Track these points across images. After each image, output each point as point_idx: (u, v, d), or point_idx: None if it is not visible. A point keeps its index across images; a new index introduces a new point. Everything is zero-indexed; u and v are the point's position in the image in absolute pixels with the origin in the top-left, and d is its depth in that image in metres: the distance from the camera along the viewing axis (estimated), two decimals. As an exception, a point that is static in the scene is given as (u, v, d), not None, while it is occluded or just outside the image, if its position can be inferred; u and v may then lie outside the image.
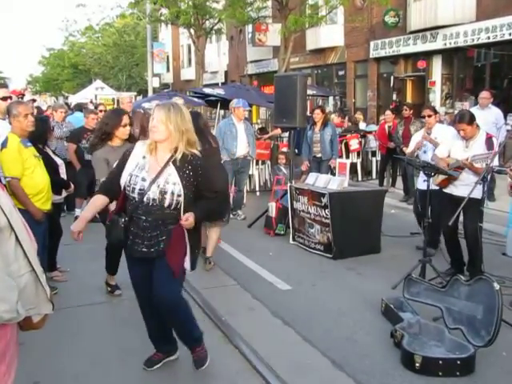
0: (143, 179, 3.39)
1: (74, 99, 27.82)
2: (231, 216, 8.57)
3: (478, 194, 5.18)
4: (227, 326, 4.54)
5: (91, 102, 23.11)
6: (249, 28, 27.15)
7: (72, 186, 5.63)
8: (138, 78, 41.59)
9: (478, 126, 5.46)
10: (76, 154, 7.90)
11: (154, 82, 29.23)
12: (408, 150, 6.75)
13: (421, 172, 6.29)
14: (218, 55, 31.51)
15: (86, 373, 3.80)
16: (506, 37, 14.39)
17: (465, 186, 5.21)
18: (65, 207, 8.63)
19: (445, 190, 5.59)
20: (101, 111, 9.85)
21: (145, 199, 3.38)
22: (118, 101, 22.10)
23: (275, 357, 3.98)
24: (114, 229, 3.54)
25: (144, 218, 3.41)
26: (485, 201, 5.41)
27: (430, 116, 6.38)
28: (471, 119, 5.36)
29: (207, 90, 14.49)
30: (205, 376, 3.76)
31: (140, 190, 3.39)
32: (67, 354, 4.07)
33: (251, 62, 29.55)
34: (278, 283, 5.63)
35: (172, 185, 3.36)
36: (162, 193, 3.34)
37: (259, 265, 6.22)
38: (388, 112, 10.94)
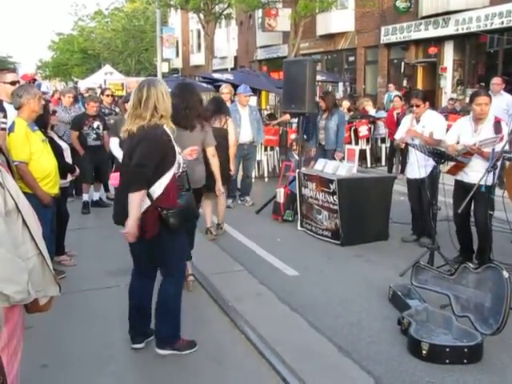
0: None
1: (83, 84, 27.82)
2: (239, 202, 8.63)
3: (488, 180, 5.14)
4: (234, 311, 4.55)
5: (100, 86, 23.12)
6: (258, 13, 26.96)
7: (78, 170, 5.64)
8: (147, 63, 41.49)
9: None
10: (79, 140, 7.92)
11: (163, 67, 29.08)
12: (395, 137, 6.68)
13: (409, 160, 6.26)
14: (227, 40, 31.36)
15: (94, 356, 3.82)
16: (520, 22, 14.22)
17: (475, 173, 5.15)
18: (73, 192, 8.67)
19: (456, 178, 5.54)
20: (108, 96, 9.84)
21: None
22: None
23: (281, 342, 3.98)
24: (192, 207, 3.77)
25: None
26: (495, 188, 5.38)
27: (418, 106, 6.19)
28: (490, 97, 5.35)
29: (216, 76, 14.45)
30: (211, 361, 3.77)
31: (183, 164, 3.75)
32: (75, 337, 4.09)
33: (260, 47, 29.38)
34: (285, 269, 5.62)
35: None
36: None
37: (267, 251, 6.22)
38: (397, 98, 10.84)
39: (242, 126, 8.33)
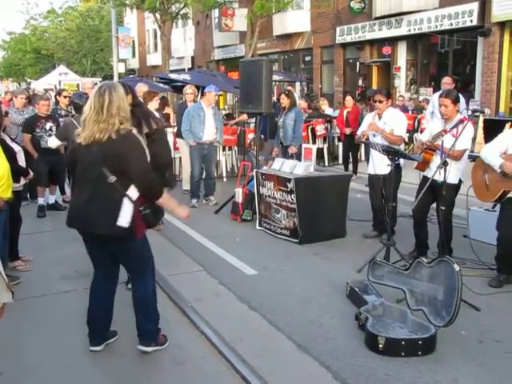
0: None
1: (36, 85, 27.18)
2: (203, 201, 8.63)
3: (453, 178, 5.30)
4: (194, 312, 4.54)
5: (55, 87, 22.65)
6: (215, 13, 26.91)
7: (31, 173, 5.52)
8: (103, 64, 40.83)
9: (458, 111, 5.56)
10: (32, 142, 7.74)
11: (119, 68, 28.69)
12: (357, 132, 6.82)
13: (371, 157, 6.40)
14: (184, 40, 31.15)
15: (52, 362, 3.76)
16: (468, 24, 14.64)
17: (440, 170, 5.23)
18: (28, 195, 8.48)
19: (423, 174, 5.68)
20: (65, 97, 9.66)
21: None
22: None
23: (241, 342, 4.01)
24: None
25: None
26: (460, 184, 5.55)
27: (381, 102, 6.34)
28: (456, 99, 5.47)
29: (173, 76, 14.38)
30: (171, 362, 3.76)
31: None
32: (32, 344, 4.01)
33: (218, 47, 29.34)
34: (244, 268, 5.65)
35: None
36: None
37: (226, 250, 6.23)
38: (348, 97, 10.99)
39: (206, 125, 8.36)
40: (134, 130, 3.55)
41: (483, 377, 3.57)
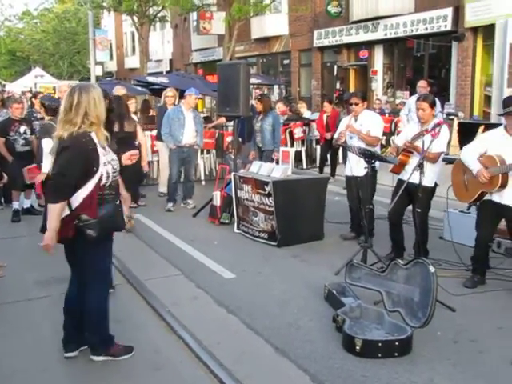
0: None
1: (12, 87, 26.81)
2: (181, 205, 8.60)
3: (429, 181, 5.36)
4: (171, 316, 4.51)
5: (30, 90, 22.38)
6: (193, 16, 26.86)
7: (5, 177, 5.44)
8: (80, 66, 40.49)
9: (435, 115, 5.63)
10: (6, 146, 7.63)
11: (96, 71, 28.39)
12: (334, 136, 6.87)
13: (348, 159, 6.47)
14: (162, 43, 31.02)
15: (24, 369, 3.70)
16: (443, 28, 14.84)
17: (416, 172, 5.28)
18: (2, 200, 8.35)
19: (399, 177, 5.73)
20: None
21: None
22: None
23: (219, 346, 3.99)
24: (115, 218, 3.64)
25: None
26: (435, 187, 5.62)
27: (357, 104, 6.43)
28: (433, 103, 5.57)
29: (150, 79, 14.32)
30: (149, 367, 3.73)
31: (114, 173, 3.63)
32: (6, 351, 3.95)
33: (196, 50, 29.29)
34: (222, 272, 5.63)
35: None
36: None
37: (204, 254, 6.21)
38: (326, 103, 11.06)
39: (186, 129, 8.35)
40: (93, 134, 3.47)
41: (458, 376, 3.61)
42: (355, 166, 6.26)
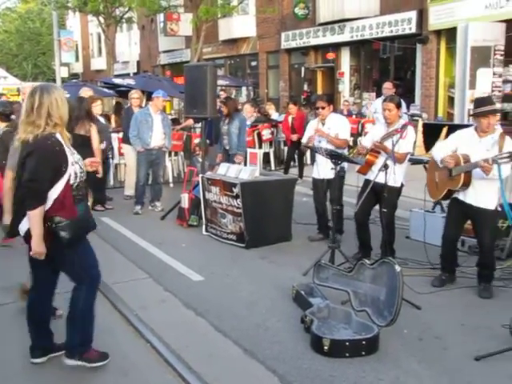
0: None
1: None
2: (149, 207, 8.53)
3: (396, 181, 5.42)
4: (139, 320, 4.47)
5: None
6: (160, 17, 26.67)
7: None
8: (45, 68, 39.71)
9: (401, 116, 5.70)
10: None
11: (62, 72, 27.97)
12: (303, 140, 6.91)
13: (316, 161, 6.51)
14: (129, 45, 30.72)
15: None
16: (407, 31, 15.08)
17: (382, 173, 5.35)
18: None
19: (365, 177, 5.79)
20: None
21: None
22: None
23: (187, 349, 3.98)
24: (86, 218, 3.62)
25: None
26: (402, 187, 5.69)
27: (323, 108, 6.47)
28: (399, 104, 5.67)
29: (117, 81, 14.18)
30: (116, 373, 3.69)
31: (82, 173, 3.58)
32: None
33: (163, 51, 29.09)
34: (190, 274, 5.61)
35: None
36: None
37: (172, 257, 6.17)
38: (291, 105, 11.09)
39: (154, 131, 8.29)
40: (58, 135, 3.42)
41: (423, 373, 3.67)
42: (322, 169, 6.31)
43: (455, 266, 5.32)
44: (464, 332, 4.28)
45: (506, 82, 12.63)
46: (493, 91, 11.05)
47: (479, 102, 4.97)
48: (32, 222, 3.30)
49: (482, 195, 4.85)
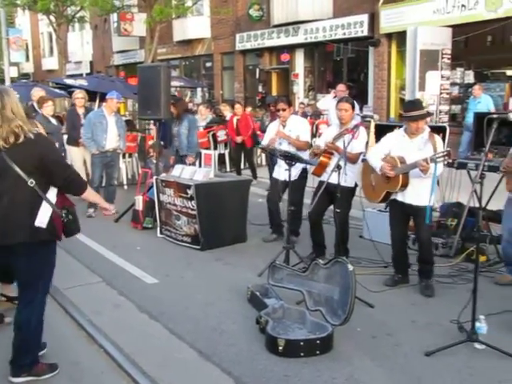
0: None
1: None
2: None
3: (349, 182, 5.48)
4: (92, 325, 4.40)
5: None
6: (113, 17, 26.27)
7: None
8: (-7, 67, 38.50)
9: (353, 117, 5.78)
10: None
11: (11, 72, 27.22)
12: (263, 143, 6.93)
13: (278, 162, 6.55)
14: (81, 45, 30.17)
15: None
16: (360, 34, 15.33)
17: (335, 173, 5.39)
18: None
19: (320, 179, 5.83)
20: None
21: None
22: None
23: (142, 353, 3.93)
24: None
25: None
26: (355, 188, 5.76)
27: (284, 110, 6.50)
28: (353, 105, 5.78)
29: (69, 81, 13.86)
30: (67, 381, 3.60)
31: None
32: None
33: (117, 52, 28.67)
34: (144, 277, 5.55)
35: None
36: None
37: (126, 260, 6.10)
38: (238, 106, 11.08)
39: (109, 133, 8.20)
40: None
41: (376, 370, 3.74)
42: (283, 171, 6.28)
43: (407, 266, 5.37)
44: (415, 328, 4.37)
45: (453, 84, 13.05)
46: (441, 93, 11.38)
47: (409, 106, 5.07)
48: (92, 197, 3.90)
49: (421, 194, 4.91)
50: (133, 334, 4.27)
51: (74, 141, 8.94)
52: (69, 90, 14.42)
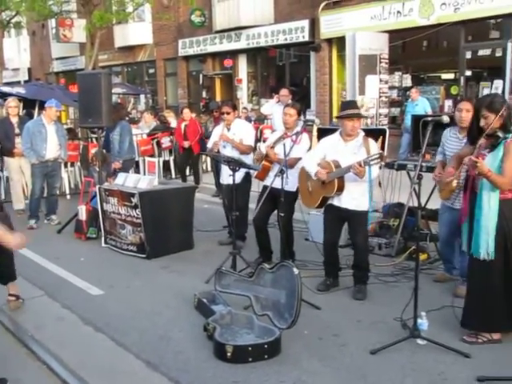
0: None
1: None
2: (45, 221, 8.16)
3: (291, 186, 5.51)
4: (34, 341, 4.27)
5: None
6: (52, 23, 25.63)
7: None
8: None
9: (298, 124, 5.80)
10: None
11: None
12: (208, 145, 6.95)
13: (222, 167, 6.57)
14: (18, 51, 29.20)
15: None
16: (301, 39, 15.53)
17: (278, 178, 5.33)
18: None
19: (263, 183, 5.86)
20: None
21: None
22: None
23: (87, 367, 3.85)
24: None
25: None
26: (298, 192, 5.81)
27: (228, 113, 6.55)
28: (300, 111, 5.86)
29: (5, 89, 13.38)
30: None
31: None
32: None
33: (57, 58, 27.95)
34: (89, 289, 5.43)
35: None
36: None
37: (69, 271, 5.95)
38: (186, 110, 11.01)
39: (49, 143, 7.99)
40: None
41: (324, 370, 3.79)
42: (226, 175, 6.30)
43: (338, 270, 5.40)
44: (361, 328, 4.46)
45: (392, 88, 13.42)
46: (380, 97, 11.68)
47: (345, 106, 5.16)
48: None
49: (356, 198, 4.96)
50: (77, 347, 4.17)
51: (9, 152, 8.66)
52: (5, 98, 13.98)
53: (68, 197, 10.32)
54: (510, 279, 4.03)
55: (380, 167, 4.92)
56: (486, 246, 3.93)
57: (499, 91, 11.24)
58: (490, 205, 3.90)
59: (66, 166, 10.48)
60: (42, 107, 9.84)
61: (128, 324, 4.57)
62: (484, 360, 3.83)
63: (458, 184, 4.65)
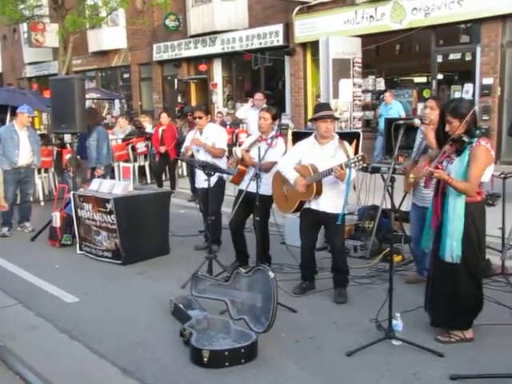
0: None
1: None
2: (18, 229, 8.05)
3: (266, 190, 5.51)
4: (6, 351, 4.20)
5: None
6: (24, 27, 25.30)
7: None
8: None
9: (273, 128, 5.81)
10: None
11: None
12: (182, 150, 6.94)
13: (196, 171, 6.57)
14: (-11, 56, 28.83)
15: None
16: (275, 43, 15.63)
17: (253, 182, 5.30)
18: None
19: (238, 187, 5.86)
20: None
21: None
22: None
23: (62, 376, 3.80)
24: None
25: None
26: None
27: (200, 118, 6.56)
28: (275, 115, 5.86)
29: (-24, 95, 13.19)
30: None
31: None
32: None
33: (29, 63, 27.60)
34: (64, 296, 5.37)
35: None
36: None
37: (43, 279, 5.87)
38: (164, 114, 10.96)
39: (21, 149, 7.90)
40: None
41: (300, 373, 3.80)
42: (201, 179, 6.31)
43: (314, 273, 5.42)
44: (337, 330, 4.49)
45: (366, 91, 13.57)
46: (354, 100, 11.78)
47: (318, 108, 5.18)
48: None
49: (334, 201, 4.98)
50: (52, 356, 4.12)
51: None
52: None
53: (42, 203, 10.20)
54: (478, 279, 4.12)
55: (357, 169, 4.97)
56: (451, 249, 3.99)
57: (469, 95, 11.46)
58: (455, 209, 3.96)
59: (39, 172, 10.35)
60: (14, 113, 9.72)
61: (103, 331, 4.53)
62: (457, 359, 3.89)
63: (414, 180, 4.98)
